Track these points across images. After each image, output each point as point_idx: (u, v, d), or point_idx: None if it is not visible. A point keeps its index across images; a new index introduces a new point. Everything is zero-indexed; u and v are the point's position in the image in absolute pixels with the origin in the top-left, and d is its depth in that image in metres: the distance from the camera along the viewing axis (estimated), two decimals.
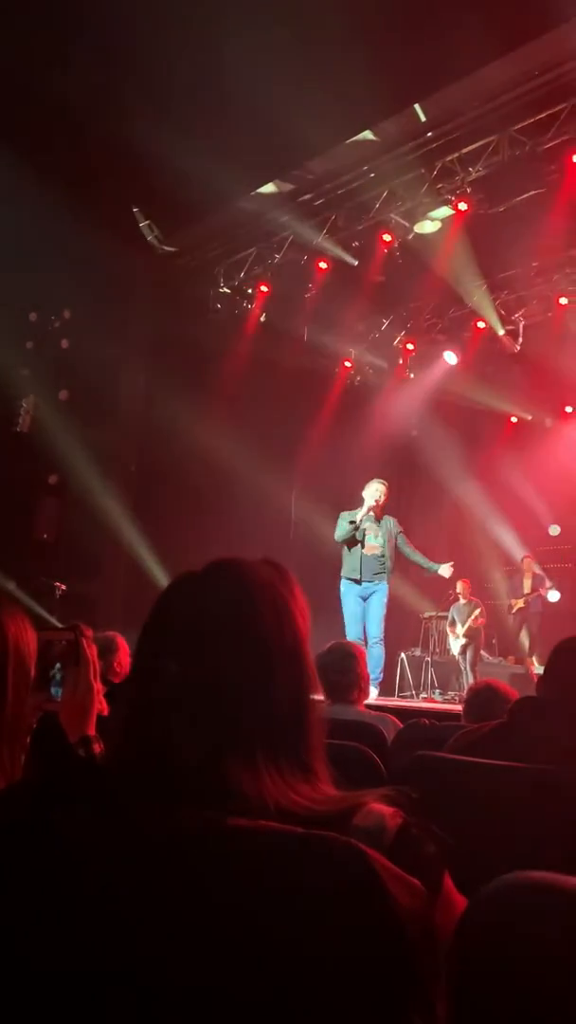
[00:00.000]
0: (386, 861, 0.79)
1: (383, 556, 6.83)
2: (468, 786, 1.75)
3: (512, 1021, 0.64)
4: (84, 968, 0.79)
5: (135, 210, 8.52)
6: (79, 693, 1.72)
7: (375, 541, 6.85)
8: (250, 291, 9.85)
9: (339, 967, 0.74)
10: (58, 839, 0.87)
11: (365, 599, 6.85)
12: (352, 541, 6.89)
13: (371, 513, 6.86)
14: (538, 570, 9.82)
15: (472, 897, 0.75)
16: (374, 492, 6.87)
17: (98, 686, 1.80)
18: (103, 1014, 0.78)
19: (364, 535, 6.86)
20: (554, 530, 10.42)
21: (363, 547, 6.83)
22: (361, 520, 6.85)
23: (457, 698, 8.62)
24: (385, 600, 6.88)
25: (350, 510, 6.95)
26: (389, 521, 6.95)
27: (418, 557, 7.02)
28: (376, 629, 6.83)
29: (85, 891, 0.83)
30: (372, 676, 6.77)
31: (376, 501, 6.86)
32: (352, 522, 6.86)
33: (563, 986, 0.61)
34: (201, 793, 0.87)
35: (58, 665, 1.80)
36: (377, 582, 6.84)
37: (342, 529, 6.88)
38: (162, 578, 8.88)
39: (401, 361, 10.96)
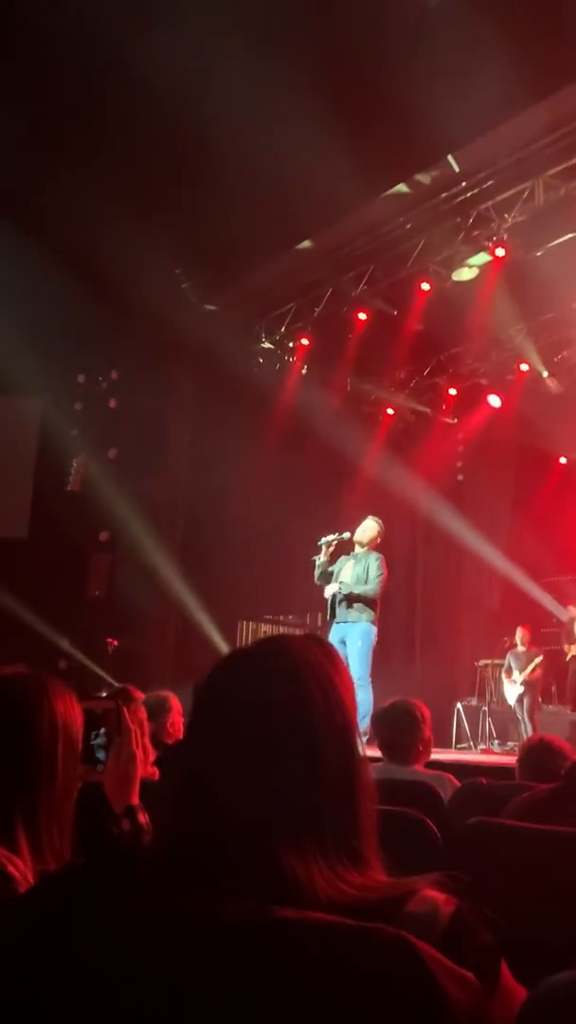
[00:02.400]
0: (437, 954, 0.76)
1: (348, 591, 6.56)
2: (528, 855, 1.70)
3: None
4: None
5: (176, 271, 8.72)
6: (122, 762, 1.72)
7: (345, 578, 6.64)
8: (291, 344, 9.97)
9: None
10: (101, 928, 0.86)
11: (344, 641, 6.50)
12: (326, 580, 6.74)
13: (355, 551, 6.75)
14: None
15: (531, 992, 0.72)
16: (359, 531, 6.78)
17: (141, 753, 1.80)
18: None
19: (338, 573, 6.70)
20: None
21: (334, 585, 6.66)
22: (323, 556, 6.73)
23: (516, 749, 8.41)
24: (365, 640, 6.49)
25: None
26: (369, 557, 6.70)
27: (358, 588, 6.61)
28: (356, 670, 6.33)
29: (127, 982, 0.82)
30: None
31: (337, 540, 6.74)
32: (314, 560, 6.78)
33: None
34: (248, 877, 0.86)
35: (102, 730, 1.81)
36: (351, 621, 6.54)
37: (316, 569, 6.78)
38: (213, 633, 8.89)
39: (444, 406, 10.95)
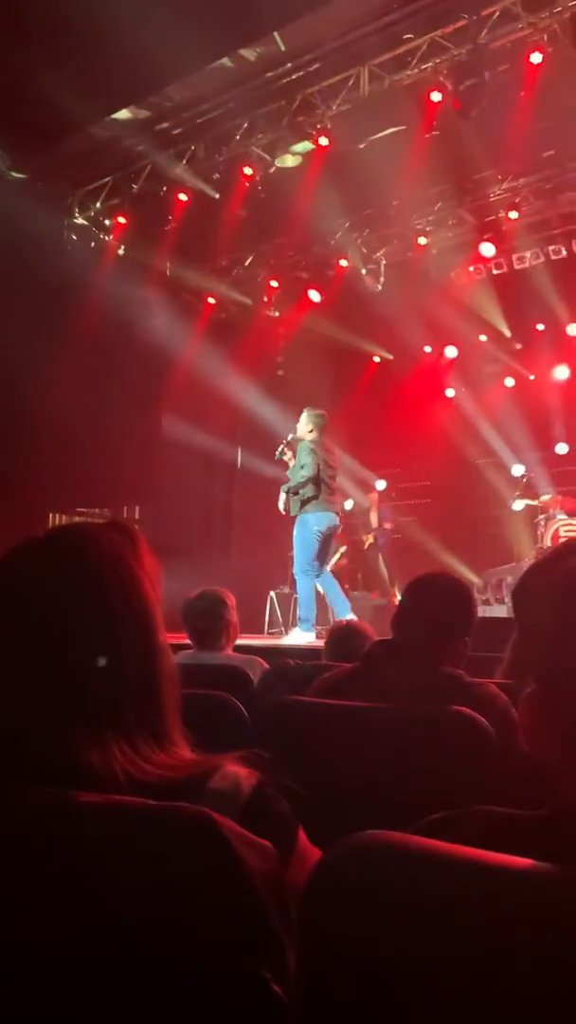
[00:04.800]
0: (236, 826, 0.79)
1: (289, 486, 6.69)
2: (329, 728, 1.80)
3: (351, 981, 0.66)
4: None
5: None
6: None
7: (289, 474, 6.81)
8: (107, 222, 9.47)
9: (193, 934, 0.74)
10: None
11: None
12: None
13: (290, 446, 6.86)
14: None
15: (320, 857, 0.77)
16: (297, 427, 6.83)
17: None
18: None
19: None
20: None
21: None
22: (278, 455, 6.90)
23: (324, 632, 8.85)
24: (299, 530, 6.65)
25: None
26: (300, 449, 6.75)
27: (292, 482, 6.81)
28: (295, 559, 6.72)
29: None
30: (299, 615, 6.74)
31: (286, 447, 6.89)
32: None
33: (398, 949, 0.64)
34: (49, 771, 0.85)
35: None
36: (293, 514, 6.70)
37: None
38: (23, 525, 8.59)
39: (265, 299, 10.86)
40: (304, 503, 6.59)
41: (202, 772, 0.92)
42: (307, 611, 6.64)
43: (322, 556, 6.76)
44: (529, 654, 0.83)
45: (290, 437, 6.99)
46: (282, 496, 6.77)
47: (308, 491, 6.57)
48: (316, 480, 6.54)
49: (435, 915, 0.64)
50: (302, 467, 6.57)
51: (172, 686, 0.99)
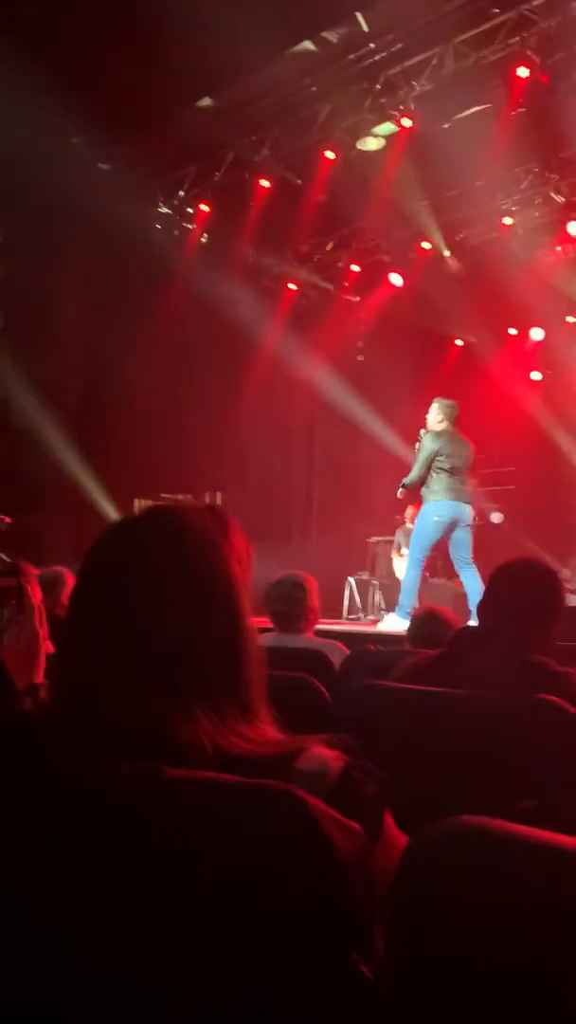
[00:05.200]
0: (325, 806, 0.79)
1: (407, 479, 6.61)
2: (414, 714, 1.79)
3: (442, 965, 0.65)
4: (14, 925, 0.79)
5: (69, 129, 8.12)
6: (24, 639, 1.70)
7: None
8: (190, 211, 9.55)
9: (282, 912, 0.75)
10: None
11: None
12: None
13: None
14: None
15: (412, 840, 0.77)
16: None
17: (43, 630, 1.78)
18: (35, 973, 0.78)
19: None
20: (496, 517, 10.35)
21: None
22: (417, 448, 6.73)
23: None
24: (418, 521, 6.64)
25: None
26: (424, 436, 6.62)
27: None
28: (410, 549, 6.73)
29: (14, 848, 0.83)
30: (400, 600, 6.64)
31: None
32: None
33: (492, 935, 0.63)
34: (135, 744, 0.87)
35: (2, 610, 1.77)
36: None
37: None
38: (109, 510, 8.80)
39: (346, 283, 10.79)
40: (426, 491, 6.50)
41: (289, 752, 0.93)
42: (408, 598, 6.56)
43: (454, 546, 6.58)
44: None
45: (422, 432, 6.77)
46: (400, 489, 6.74)
47: (425, 478, 6.47)
48: (431, 468, 6.42)
49: (529, 902, 0.63)
50: (418, 456, 6.50)
51: (257, 663, 1.00)
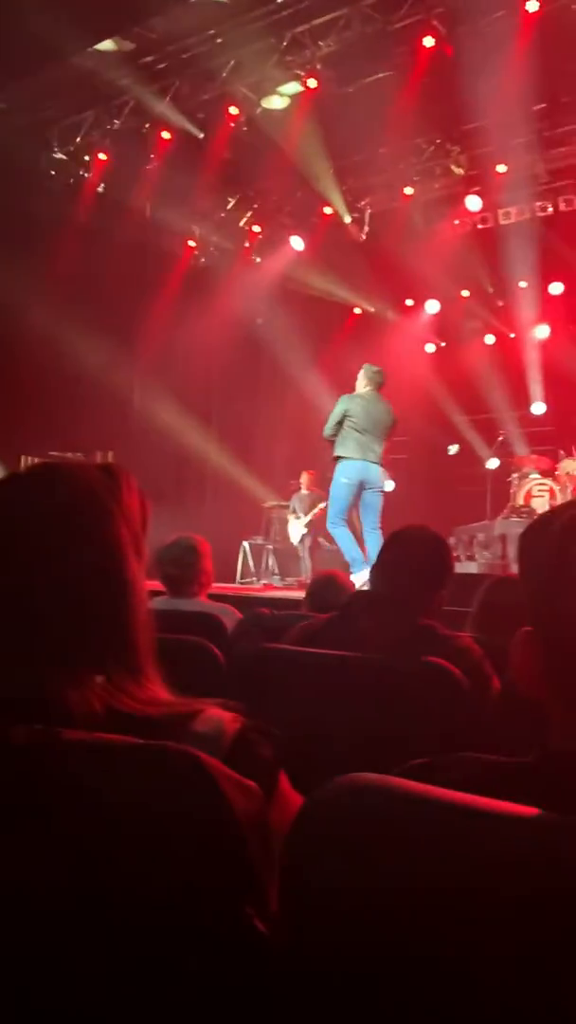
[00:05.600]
0: (223, 766, 0.80)
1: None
2: (305, 677, 1.81)
3: (334, 920, 0.67)
4: None
5: None
6: None
7: None
8: (87, 159, 9.22)
9: (180, 870, 0.75)
10: None
11: None
12: None
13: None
14: None
15: (306, 799, 0.77)
16: None
17: None
18: None
19: None
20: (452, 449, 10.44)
21: None
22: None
23: (296, 583, 8.91)
24: (333, 485, 6.63)
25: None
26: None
27: None
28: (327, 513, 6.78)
29: None
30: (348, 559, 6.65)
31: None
32: None
33: (386, 891, 0.64)
34: (27, 708, 0.85)
35: None
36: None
37: None
38: None
39: (247, 244, 10.68)
40: (338, 451, 6.55)
41: (184, 713, 0.93)
42: (352, 552, 6.61)
43: (363, 509, 6.63)
44: (529, 598, 0.84)
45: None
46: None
47: (334, 437, 6.54)
48: (339, 430, 6.51)
49: (421, 856, 0.65)
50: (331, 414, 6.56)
51: (144, 623, 0.99)
